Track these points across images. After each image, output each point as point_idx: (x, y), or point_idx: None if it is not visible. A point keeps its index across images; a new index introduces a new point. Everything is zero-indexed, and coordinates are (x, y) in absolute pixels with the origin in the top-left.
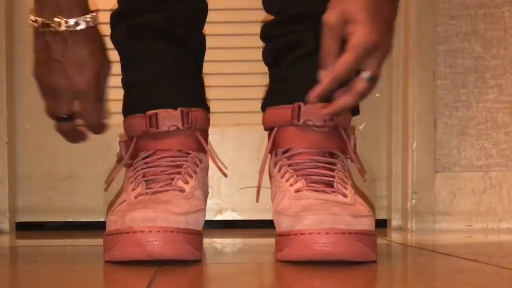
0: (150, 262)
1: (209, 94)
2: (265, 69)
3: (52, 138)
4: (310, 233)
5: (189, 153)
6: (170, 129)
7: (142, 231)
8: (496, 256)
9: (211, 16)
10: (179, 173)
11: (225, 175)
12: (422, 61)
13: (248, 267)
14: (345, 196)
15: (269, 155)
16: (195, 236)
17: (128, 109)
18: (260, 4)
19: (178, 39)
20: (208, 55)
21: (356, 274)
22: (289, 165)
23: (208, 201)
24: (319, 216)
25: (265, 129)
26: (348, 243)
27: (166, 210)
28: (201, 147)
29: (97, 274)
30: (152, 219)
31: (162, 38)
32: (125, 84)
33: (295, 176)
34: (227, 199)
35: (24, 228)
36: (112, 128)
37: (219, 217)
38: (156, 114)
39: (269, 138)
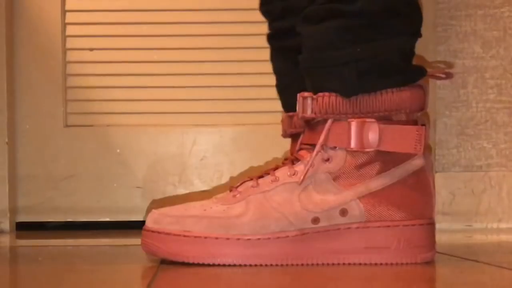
0: (150, 262)
1: (209, 94)
2: (264, 69)
3: (52, 138)
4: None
5: None
6: None
7: None
8: (496, 256)
9: (212, 17)
10: None
11: None
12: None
13: (247, 267)
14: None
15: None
16: None
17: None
18: None
19: None
20: (207, 55)
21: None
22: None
23: None
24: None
25: None
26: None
27: None
28: None
29: (97, 274)
30: None
31: None
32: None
33: None
34: None
35: (24, 228)
36: (112, 128)
37: None
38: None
39: None
